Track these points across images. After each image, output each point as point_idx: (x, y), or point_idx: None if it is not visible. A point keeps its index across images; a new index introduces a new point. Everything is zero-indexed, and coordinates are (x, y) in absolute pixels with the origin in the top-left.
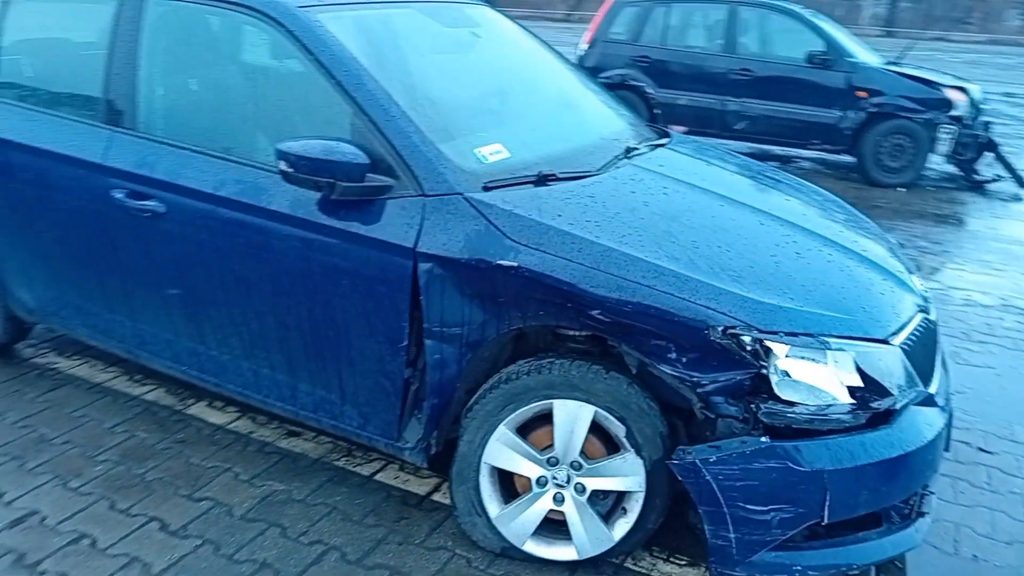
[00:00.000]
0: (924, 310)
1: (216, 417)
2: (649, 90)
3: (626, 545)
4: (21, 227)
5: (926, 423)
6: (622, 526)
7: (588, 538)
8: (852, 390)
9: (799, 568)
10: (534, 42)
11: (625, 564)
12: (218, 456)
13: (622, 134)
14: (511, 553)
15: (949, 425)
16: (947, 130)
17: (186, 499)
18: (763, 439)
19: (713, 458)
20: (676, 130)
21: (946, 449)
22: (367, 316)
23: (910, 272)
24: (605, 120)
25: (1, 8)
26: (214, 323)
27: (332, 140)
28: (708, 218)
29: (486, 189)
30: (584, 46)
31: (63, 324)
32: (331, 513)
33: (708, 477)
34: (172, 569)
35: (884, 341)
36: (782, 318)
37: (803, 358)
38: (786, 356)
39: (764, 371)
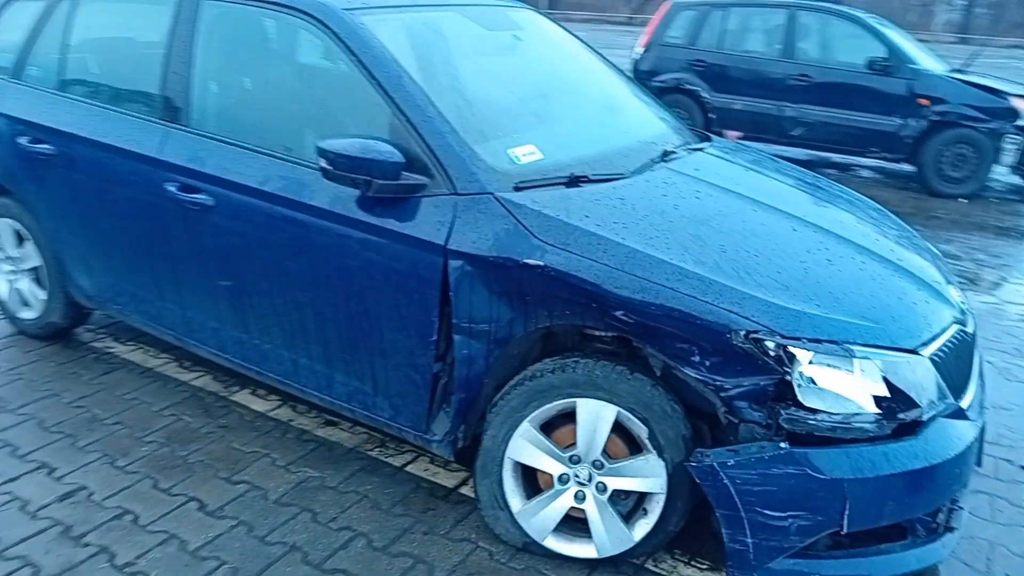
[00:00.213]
0: (960, 322)
1: (258, 404)
2: (704, 94)
3: (647, 546)
4: (82, 217)
5: (954, 436)
6: (642, 527)
7: (608, 537)
8: (878, 400)
9: None
10: (578, 46)
11: (646, 565)
12: (258, 442)
13: (661, 137)
14: (532, 548)
15: (981, 439)
16: (1013, 140)
17: (225, 481)
18: (782, 445)
19: (731, 462)
20: (731, 136)
21: (978, 464)
22: (399, 310)
23: (949, 283)
24: (645, 123)
25: (70, 8)
26: (257, 313)
27: (370, 139)
28: (739, 223)
29: (517, 189)
30: (639, 49)
31: (118, 310)
32: (361, 501)
33: (726, 481)
34: (207, 547)
35: (913, 351)
36: (806, 324)
37: (829, 365)
38: (810, 363)
39: (788, 377)
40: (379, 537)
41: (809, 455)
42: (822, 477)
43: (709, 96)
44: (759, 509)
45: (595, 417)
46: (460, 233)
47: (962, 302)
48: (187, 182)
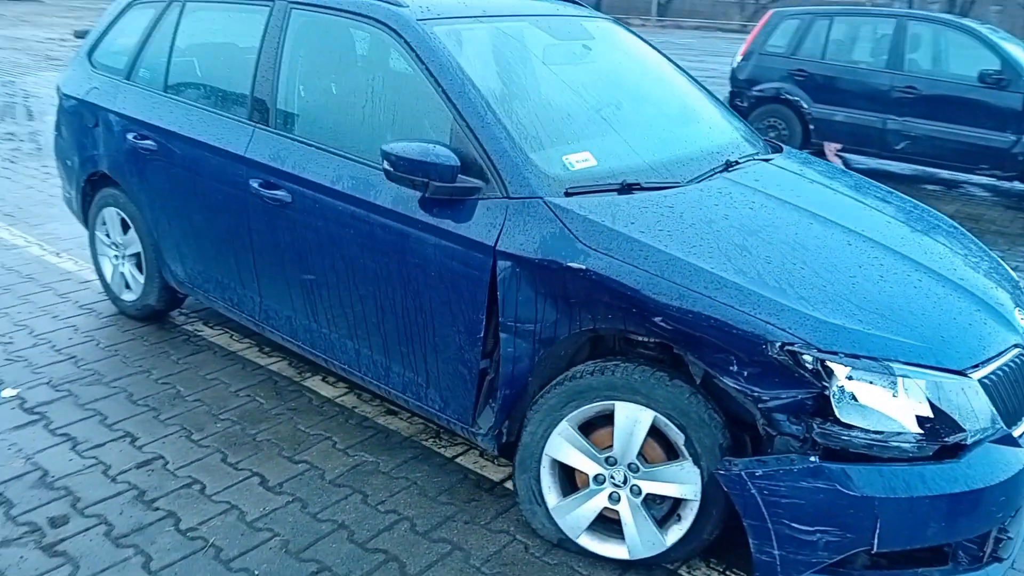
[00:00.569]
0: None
1: (327, 390)
2: (804, 105)
3: (680, 552)
4: (177, 208)
5: (1001, 462)
6: (675, 532)
7: (640, 540)
8: (922, 420)
9: None
10: (652, 55)
11: (679, 571)
12: (322, 425)
13: (727, 147)
14: (567, 545)
15: None
16: None
17: (287, 460)
18: (812, 458)
19: (759, 472)
20: (830, 148)
21: None
22: (450, 307)
23: (1018, 307)
24: (712, 133)
25: (178, 15)
26: (325, 303)
27: (429, 143)
28: (791, 234)
29: (568, 195)
30: (739, 58)
31: (205, 296)
32: (410, 487)
33: (753, 491)
34: (263, 519)
35: (961, 373)
36: (845, 339)
37: (871, 382)
38: (849, 378)
39: (826, 392)
40: (422, 522)
41: (839, 471)
42: (852, 494)
43: (809, 107)
44: (787, 521)
45: (632, 421)
46: (509, 235)
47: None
48: (268, 179)
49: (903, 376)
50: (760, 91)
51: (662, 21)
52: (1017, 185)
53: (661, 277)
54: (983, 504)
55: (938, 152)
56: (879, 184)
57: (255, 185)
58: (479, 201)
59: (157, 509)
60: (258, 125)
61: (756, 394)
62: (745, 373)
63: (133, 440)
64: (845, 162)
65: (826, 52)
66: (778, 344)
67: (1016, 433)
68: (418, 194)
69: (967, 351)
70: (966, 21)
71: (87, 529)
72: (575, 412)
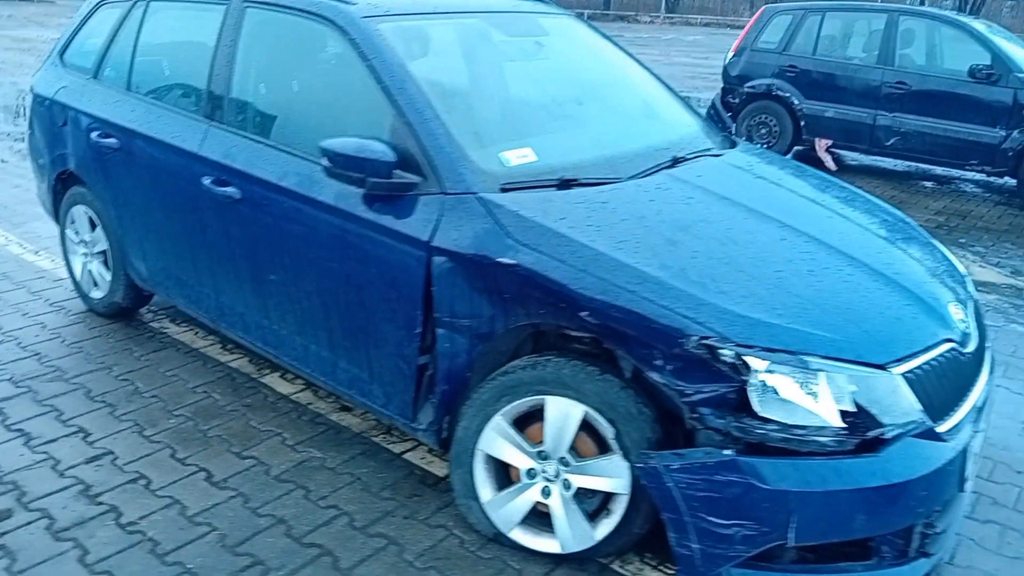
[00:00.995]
0: (957, 342)
1: (284, 387)
2: (795, 101)
3: (612, 546)
4: (138, 205)
5: (922, 457)
6: (605, 526)
7: (571, 533)
8: (843, 414)
9: None
10: (613, 52)
11: (612, 565)
12: (274, 421)
13: (678, 143)
14: (502, 539)
15: (961, 464)
16: None
17: (235, 456)
18: (726, 452)
19: (675, 465)
20: (821, 144)
21: (960, 489)
22: (390, 303)
23: (958, 303)
24: (663, 129)
25: (141, 15)
26: (275, 300)
27: (367, 139)
28: (723, 229)
29: (504, 191)
30: (731, 54)
31: (166, 293)
32: (354, 483)
33: (670, 484)
34: (204, 514)
35: (882, 367)
36: (762, 333)
37: (791, 377)
38: (769, 372)
39: (746, 386)
40: (361, 517)
41: (752, 464)
42: (766, 487)
43: (800, 103)
44: (703, 515)
45: (563, 415)
46: (444, 231)
47: (963, 321)
48: (220, 176)
49: (820, 370)
50: (751, 87)
51: (671, 18)
52: (1009, 181)
53: (586, 272)
54: (902, 498)
55: (928, 148)
56: (835, 180)
57: (207, 182)
58: (417, 197)
59: (100, 503)
60: (212, 123)
61: (680, 388)
62: (669, 367)
63: (86, 436)
64: (837, 158)
65: (817, 48)
66: (695, 338)
67: (943, 428)
68: (359, 190)
69: (891, 345)
70: (956, 15)
71: (29, 523)
72: (507, 407)
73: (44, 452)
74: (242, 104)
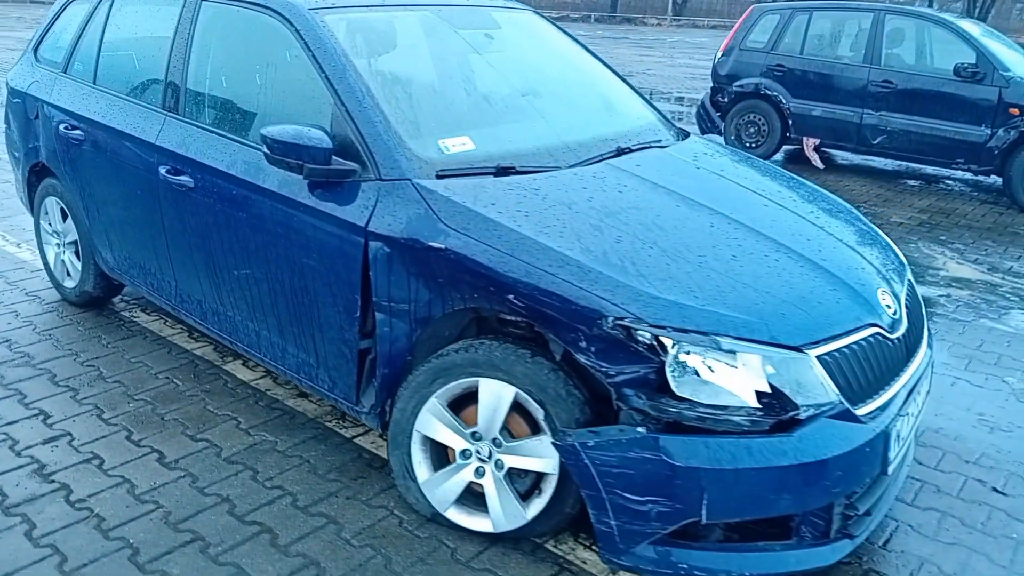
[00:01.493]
0: (883, 326)
1: (244, 374)
2: (783, 100)
3: (544, 526)
4: (103, 195)
5: (836, 438)
6: (536, 505)
7: (503, 513)
8: (760, 395)
9: (685, 567)
10: (568, 46)
11: (546, 545)
12: (231, 406)
13: (626, 135)
14: (439, 520)
15: (882, 447)
16: None
17: (188, 438)
18: (639, 429)
19: (591, 443)
20: (809, 143)
21: (883, 472)
22: (331, 288)
23: (890, 289)
24: (613, 120)
25: (107, 10)
26: (227, 286)
27: (305, 126)
28: (651, 216)
29: (439, 177)
30: (720, 54)
31: (131, 281)
32: (301, 465)
33: (587, 461)
34: (151, 492)
35: (797, 349)
36: (675, 313)
37: (708, 357)
38: (687, 353)
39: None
40: (304, 497)
41: (663, 441)
42: (677, 464)
43: (787, 102)
44: (619, 491)
45: (495, 397)
46: (380, 216)
47: (889, 306)
48: (175, 165)
49: (732, 351)
50: (740, 87)
51: (678, 20)
52: (996, 180)
53: (511, 256)
54: (815, 478)
55: (915, 147)
56: (782, 171)
57: (163, 171)
58: (356, 183)
59: (53, 482)
60: (169, 113)
61: (604, 369)
62: (593, 349)
63: (46, 418)
64: (826, 157)
65: (805, 47)
66: (611, 319)
67: (863, 410)
68: (301, 178)
69: (808, 328)
70: (940, 14)
71: None
72: (442, 389)
73: (3, 433)
74: (196, 95)
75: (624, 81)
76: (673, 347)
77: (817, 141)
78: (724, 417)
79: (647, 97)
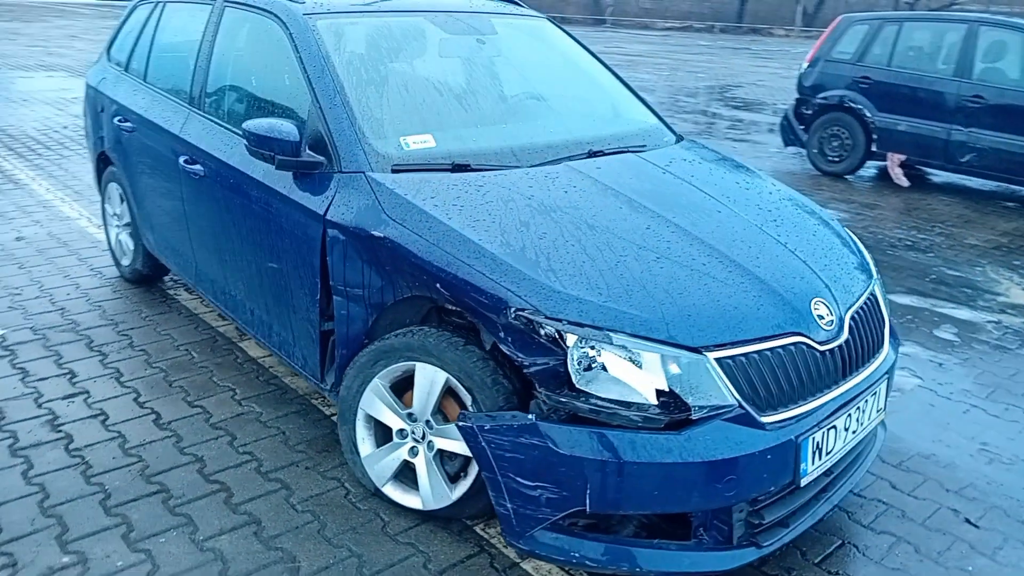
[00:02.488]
0: (808, 336)
1: (256, 351)
2: (867, 113)
3: (471, 508)
4: (145, 182)
5: (729, 441)
6: (461, 487)
7: (432, 492)
8: (659, 393)
9: (577, 555)
10: (575, 54)
11: (475, 527)
12: (233, 379)
13: (605, 139)
14: (381, 495)
15: (789, 458)
16: None
17: (186, 404)
18: (529, 416)
19: (488, 426)
20: (893, 159)
21: (794, 484)
22: (299, 271)
23: (833, 301)
24: (594, 124)
25: (159, 14)
26: (230, 267)
27: (278, 120)
28: (587, 216)
29: (394, 171)
30: (805, 65)
31: (166, 260)
32: (276, 435)
33: (483, 444)
34: (138, 448)
35: (694, 349)
36: (573, 308)
37: (613, 354)
38: (591, 348)
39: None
40: (268, 464)
41: (549, 429)
42: (561, 452)
43: (872, 115)
44: (512, 475)
45: (428, 381)
46: (336, 206)
47: (822, 317)
48: (191, 155)
49: (623, 346)
50: (824, 99)
51: (807, 31)
52: None
53: (437, 246)
54: (701, 479)
55: (1004, 165)
56: (764, 178)
57: (182, 161)
58: (324, 175)
59: (59, 431)
60: (192, 108)
61: (520, 360)
62: (510, 339)
63: (72, 377)
64: (913, 175)
65: (893, 59)
66: (513, 309)
67: (773, 418)
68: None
69: (713, 330)
70: None
71: (5, 438)
72: (384, 371)
73: (33, 387)
74: (213, 91)
75: (628, 88)
76: (570, 341)
77: (903, 157)
78: (616, 412)
79: (649, 103)
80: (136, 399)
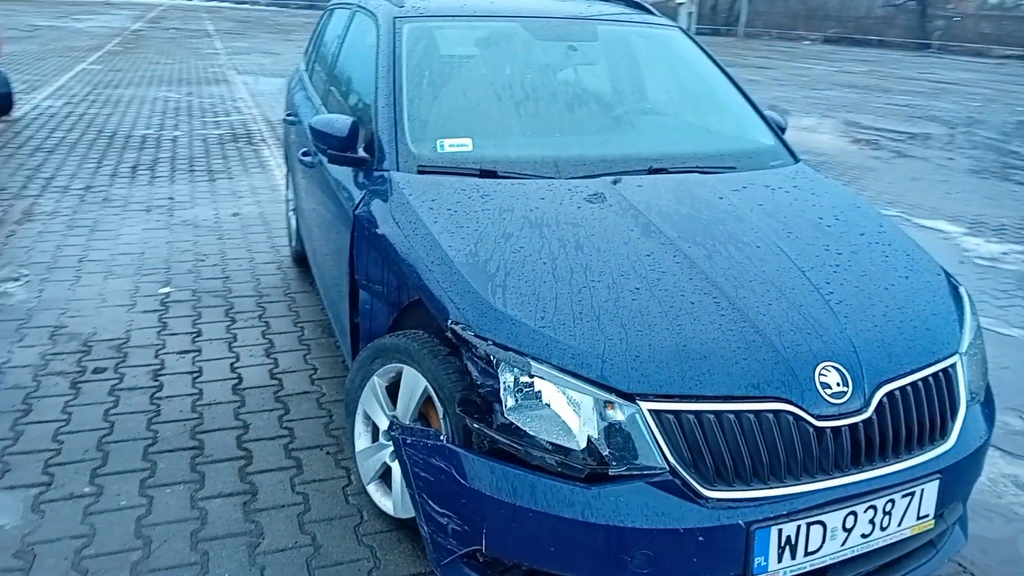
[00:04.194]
0: (799, 406)
1: None
2: None
3: None
4: (294, 169)
5: (646, 509)
6: None
7: (401, 500)
8: (590, 439)
9: None
10: (697, 64)
11: None
12: (319, 360)
13: (682, 156)
14: (367, 493)
15: (741, 546)
16: None
17: (308, 377)
18: (441, 437)
19: (409, 440)
20: None
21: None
22: (338, 264)
23: (859, 371)
24: (682, 141)
25: (326, 21)
26: (318, 254)
27: (336, 116)
28: (582, 236)
29: (420, 172)
30: None
31: (302, 246)
32: (324, 417)
33: (405, 457)
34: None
35: (627, 395)
36: (503, 329)
37: (551, 386)
38: (528, 376)
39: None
40: (298, 442)
41: (456, 455)
42: (463, 483)
43: None
44: (425, 496)
45: (411, 386)
46: (364, 202)
47: (826, 386)
48: (307, 148)
49: (540, 377)
50: None
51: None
52: None
53: (413, 248)
54: (603, 546)
55: None
56: (875, 216)
57: (300, 153)
58: (368, 171)
59: (194, 375)
60: (321, 106)
61: (474, 377)
62: (465, 353)
63: (196, 336)
64: None
65: None
66: (449, 321)
67: (722, 494)
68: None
69: (661, 378)
70: None
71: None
72: (380, 369)
73: (168, 333)
74: (334, 89)
75: (751, 104)
76: (498, 365)
77: None
78: (530, 451)
79: (772, 120)
80: (268, 353)
